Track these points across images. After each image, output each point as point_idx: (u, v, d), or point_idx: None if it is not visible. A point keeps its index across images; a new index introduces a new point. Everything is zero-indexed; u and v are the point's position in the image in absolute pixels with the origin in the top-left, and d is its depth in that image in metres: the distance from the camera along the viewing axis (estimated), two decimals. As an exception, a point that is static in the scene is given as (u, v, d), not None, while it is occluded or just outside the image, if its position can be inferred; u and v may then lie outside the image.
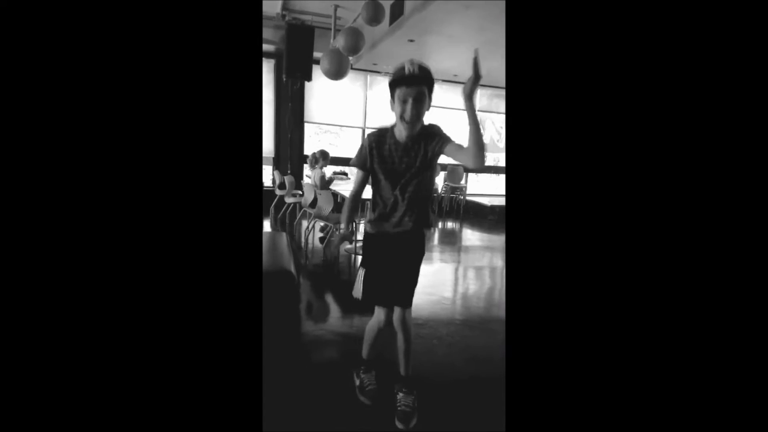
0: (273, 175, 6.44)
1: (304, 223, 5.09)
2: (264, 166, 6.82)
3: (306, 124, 6.74)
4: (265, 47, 6.07)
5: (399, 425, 1.46)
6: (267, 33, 5.87)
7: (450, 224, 6.25)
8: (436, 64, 5.86)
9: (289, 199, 5.30)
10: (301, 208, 4.96)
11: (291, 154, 6.58)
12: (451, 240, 5.25)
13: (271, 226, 5.32)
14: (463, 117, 1.19)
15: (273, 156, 6.64)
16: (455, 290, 3.27)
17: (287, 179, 5.35)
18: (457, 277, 3.63)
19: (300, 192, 5.27)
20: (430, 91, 1.31)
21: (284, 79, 5.45)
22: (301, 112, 6.61)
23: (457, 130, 1.36)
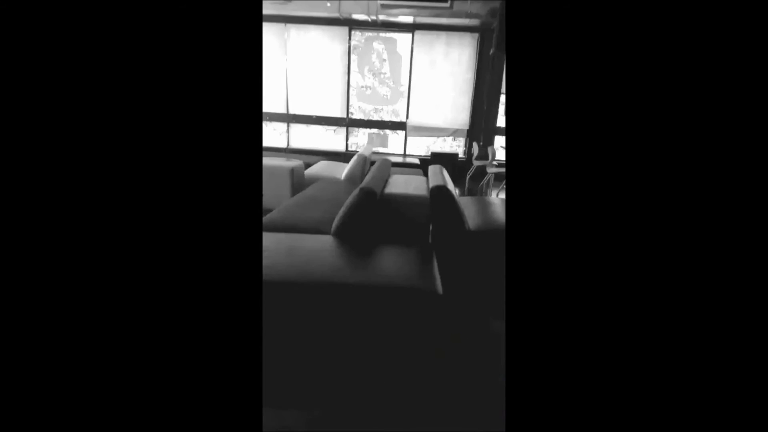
0: (465, 146, 6.77)
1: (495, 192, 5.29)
2: (458, 139, 7.19)
3: (502, 96, 6.81)
4: (470, 22, 6.27)
5: None
6: (474, 6, 6.05)
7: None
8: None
9: (491, 170, 5.55)
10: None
11: (485, 126, 6.79)
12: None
13: (461, 194, 5.67)
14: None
15: (467, 128, 6.96)
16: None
17: (490, 150, 5.58)
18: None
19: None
20: None
21: (491, 53, 5.60)
22: (499, 85, 6.70)
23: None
